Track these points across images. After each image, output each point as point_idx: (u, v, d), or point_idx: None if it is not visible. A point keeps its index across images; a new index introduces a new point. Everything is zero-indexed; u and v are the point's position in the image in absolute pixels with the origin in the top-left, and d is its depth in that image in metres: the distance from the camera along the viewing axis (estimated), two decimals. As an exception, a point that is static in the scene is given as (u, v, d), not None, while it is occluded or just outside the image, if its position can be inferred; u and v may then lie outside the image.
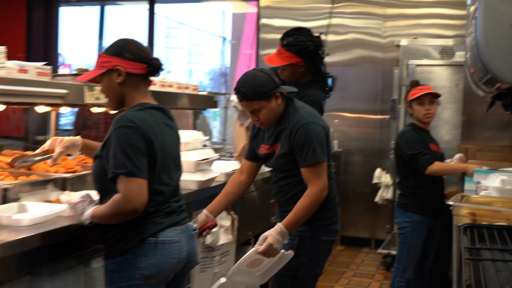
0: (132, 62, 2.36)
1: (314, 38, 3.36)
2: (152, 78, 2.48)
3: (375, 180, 5.94)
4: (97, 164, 2.34)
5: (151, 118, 2.33)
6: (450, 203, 2.25)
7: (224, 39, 14.92)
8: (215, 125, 13.31)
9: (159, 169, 2.31)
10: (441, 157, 3.99)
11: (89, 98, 3.00)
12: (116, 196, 2.23)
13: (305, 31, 3.38)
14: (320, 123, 2.86)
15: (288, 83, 3.36)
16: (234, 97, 3.65)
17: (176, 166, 2.45)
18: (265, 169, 4.62)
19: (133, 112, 2.30)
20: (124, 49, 2.37)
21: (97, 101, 3.06)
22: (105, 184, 2.30)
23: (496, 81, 1.08)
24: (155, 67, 2.40)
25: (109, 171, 2.22)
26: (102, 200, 2.35)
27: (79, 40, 9.76)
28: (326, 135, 2.86)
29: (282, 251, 2.73)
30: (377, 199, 5.92)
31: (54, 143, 2.70)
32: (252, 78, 2.80)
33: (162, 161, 2.33)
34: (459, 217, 2.19)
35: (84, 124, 6.14)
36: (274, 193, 3.04)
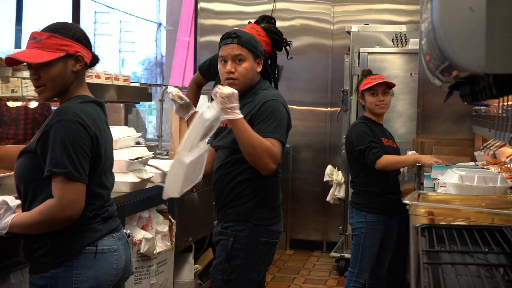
0: (88, 51, 2.34)
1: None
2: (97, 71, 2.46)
3: (326, 178, 5.99)
4: (25, 160, 2.26)
5: (96, 114, 2.30)
6: (406, 201, 2.27)
7: (160, 25, 14.79)
8: (151, 120, 13.19)
9: (100, 171, 2.29)
10: (395, 152, 4.05)
11: (3, 91, 2.90)
12: (48, 202, 2.17)
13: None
14: (288, 110, 2.97)
15: None
16: (171, 89, 3.62)
17: (112, 168, 2.45)
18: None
19: (77, 105, 2.25)
20: (83, 35, 2.34)
21: (13, 94, 2.96)
22: (33, 184, 2.24)
23: (454, 68, 1.08)
24: (97, 59, 2.41)
25: (45, 169, 2.16)
26: (30, 204, 2.26)
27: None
28: (288, 125, 2.96)
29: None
30: (328, 198, 5.98)
31: None
32: (250, 33, 3.06)
33: (104, 161, 2.31)
34: (416, 217, 2.21)
35: (1, 120, 5.96)
36: (215, 182, 3.02)
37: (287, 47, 3.77)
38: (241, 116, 2.70)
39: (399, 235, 4.10)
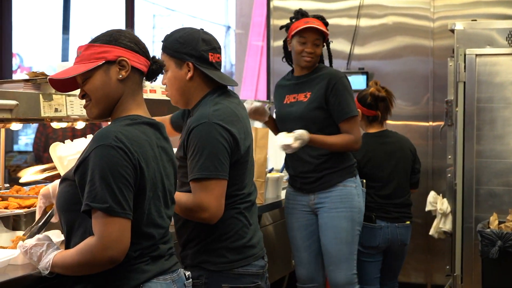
0: (137, 55, 2.35)
1: None
2: (152, 85, 2.49)
3: (428, 207, 5.89)
4: (65, 188, 2.32)
5: (144, 138, 2.31)
6: None
7: (228, 28, 14.97)
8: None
9: (147, 206, 2.29)
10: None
11: (46, 110, 3.02)
12: (89, 241, 2.21)
13: None
14: (228, 128, 2.80)
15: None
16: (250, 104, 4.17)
17: (168, 203, 2.43)
18: (283, 195, 4.66)
19: (121, 127, 2.27)
20: (127, 37, 2.36)
21: (57, 113, 3.08)
22: (72, 216, 2.29)
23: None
24: (160, 64, 2.41)
25: (83, 202, 2.19)
26: (69, 239, 2.34)
27: (39, 37, 9.86)
28: (233, 143, 2.82)
29: None
30: (432, 232, 5.88)
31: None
32: (181, 30, 2.95)
33: (152, 195, 2.31)
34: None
35: (46, 143, 6.19)
36: None
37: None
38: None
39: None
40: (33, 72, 3.20)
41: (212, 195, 2.76)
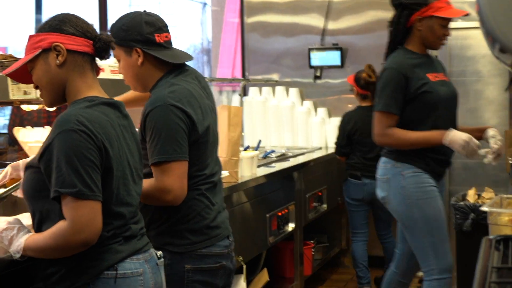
0: (74, 37, 2.34)
1: None
2: (100, 63, 2.48)
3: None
4: (30, 176, 2.32)
5: (105, 119, 2.31)
6: (485, 209, 2.27)
7: (205, 4, 14.90)
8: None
9: (116, 185, 2.30)
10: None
11: (15, 93, 3.01)
12: (60, 225, 2.21)
13: None
14: (184, 108, 2.79)
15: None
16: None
17: (135, 179, 2.44)
18: (259, 173, 4.66)
19: (80, 110, 2.26)
20: (63, 21, 2.35)
21: (26, 96, 3.06)
22: (41, 203, 2.29)
23: (508, 50, 1.09)
24: (104, 42, 2.37)
25: (51, 189, 2.20)
26: (37, 225, 2.34)
27: (12, 17, 9.77)
28: (190, 124, 2.80)
29: None
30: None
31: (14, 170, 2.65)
32: (123, 17, 2.90)
33: (120, 174, 2.32)
34: (497, 227, 2.21)
35: (21, 125, 6.16)
36: None
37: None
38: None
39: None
40: (1, 54, 3.18)
41: (174, 177, 2.76)
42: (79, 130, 2.20)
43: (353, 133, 5.68)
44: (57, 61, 2.32)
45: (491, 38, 1.07)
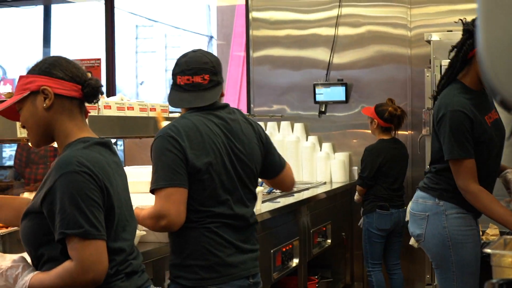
0: (62, 81, 2.36)
1: None
2: (107, 100, 2.49)
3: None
4: (29, 223, 2.31)
5: (102, 159, 2.34)
6: (488, 251, 2.26)
7: (211, 38, 15.00)
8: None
9: (116, 223, 2.33)
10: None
11: (22, 131, 3.01)
12: (67, 265, 2.21)
13: None
14: (179, 140, 2.92)
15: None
16: None
17: (131, 215, 2.48)
18: (264, 208, 4.64)
19: (79, 152, 2.29)
20: (53, 65, 2.37)
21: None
22: (43, 249, 2.29)
23: (506, 103, 1.09)
24: (93, 87, 2.38)
25: (55, 231, 2.20)
26: (37, 268, 2.33)
27: (21, 50, 9.85)
28: (183, 156, 2.91)
29: None
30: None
31: None
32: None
33: (119, 212, 2.35)
34: (501, 269, 2.20)
35: (28, 159, 6.18)
36: None
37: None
38: None
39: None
40: (9, 93, 3.20)
41: (169, 202, 2.85)
42: (81, 171, 2.22)
43: (382, 166, 5.85)
44: (44, 104, 2.34)
45: (491, 88, 1.08)
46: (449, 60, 3.67)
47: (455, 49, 3.64)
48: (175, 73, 3.09)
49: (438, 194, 3.65)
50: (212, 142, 2.97)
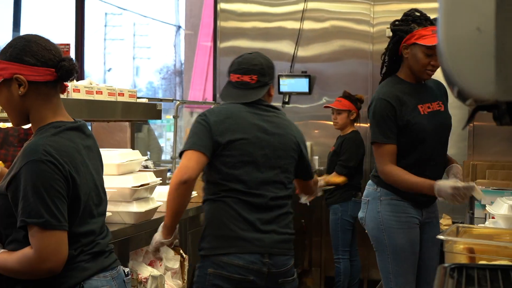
0: (35, 68, 2.29)
1: None
2: (76, 84, 2.46)
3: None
4: None
5: (72, 146, 2.31)
6: (441, 237, 2.31)
7: (179, 28, 14.95)
8: (170, 137, 13.29)
9: (82, 211, 2.31)
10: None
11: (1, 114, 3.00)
12: (27, 252, 2.21)
13: None
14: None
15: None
16: None
17: (100, 197, 2.45)
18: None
19: (48, 139, 2.25)
20: (24, 50, 2.29)
21: (2, 114, 3.05)
22: (8, 229, 2.29)
23: (464, 94, 1.13)
24: (67, 70, 2.32)
25: (18, 217, 2.20)
26: (4, 245, 2.33)
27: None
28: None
29: None
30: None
31: None
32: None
33: (86, 198, 2.33)
34: (452, 255, 2.25)
35: (5, 140, 6.09)
36: None
37: None
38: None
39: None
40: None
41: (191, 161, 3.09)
42: (46, 160, 2.19)
43: (362, 157, 6.02)
44: (20, 92, 2.29)
45: (449, 80, 1.11)
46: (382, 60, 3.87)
47: (387, 50, 3.82)
48: (229, 71, 3.38)
49: (377, 181, 3.80)
50: (244, 122, 3.22)
